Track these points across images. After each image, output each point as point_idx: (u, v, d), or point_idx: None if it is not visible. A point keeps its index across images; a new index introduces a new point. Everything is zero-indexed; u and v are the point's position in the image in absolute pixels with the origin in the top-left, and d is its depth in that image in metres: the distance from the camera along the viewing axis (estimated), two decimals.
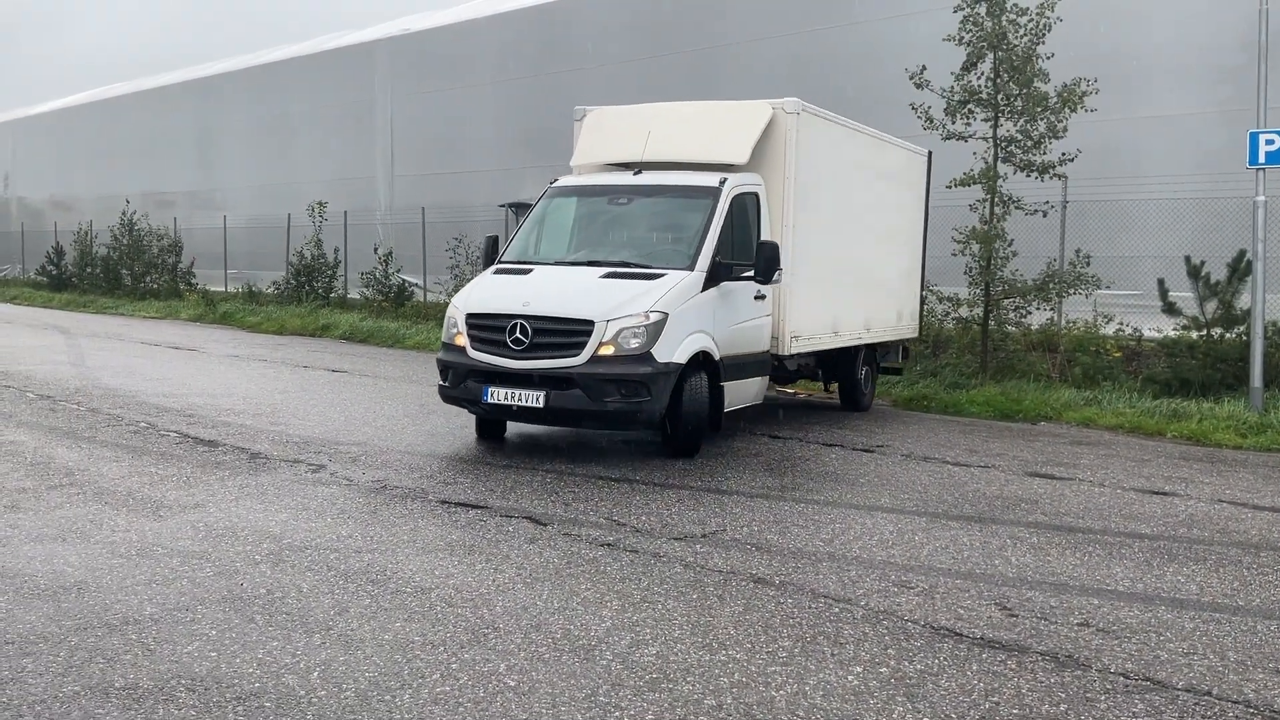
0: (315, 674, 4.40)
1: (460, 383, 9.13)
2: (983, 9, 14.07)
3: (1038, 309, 14.55)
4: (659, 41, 22.74)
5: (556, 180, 10.73)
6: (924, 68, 14.12)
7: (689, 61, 21.80)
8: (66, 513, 6.87)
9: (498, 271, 9.94)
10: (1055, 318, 14.65)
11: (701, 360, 9.13)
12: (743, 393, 9.96)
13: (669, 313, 8.80)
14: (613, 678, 4.43)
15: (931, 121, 14.20)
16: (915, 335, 14.24)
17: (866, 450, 9.84)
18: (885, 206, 12.95)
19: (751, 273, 9.60)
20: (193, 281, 30.20)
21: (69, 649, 4.61)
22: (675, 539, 6.54)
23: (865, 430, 11.03)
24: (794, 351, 10.57)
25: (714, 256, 9.36)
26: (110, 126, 40.31)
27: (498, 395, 8.82)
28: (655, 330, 8.69)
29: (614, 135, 10.75)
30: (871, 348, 12.83)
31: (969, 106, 14.27)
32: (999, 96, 14.15)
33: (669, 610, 5.25)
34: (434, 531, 6.60)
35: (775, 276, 9.71)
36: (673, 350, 8.79)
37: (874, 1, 19.46)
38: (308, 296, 24.80)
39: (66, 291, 32.85)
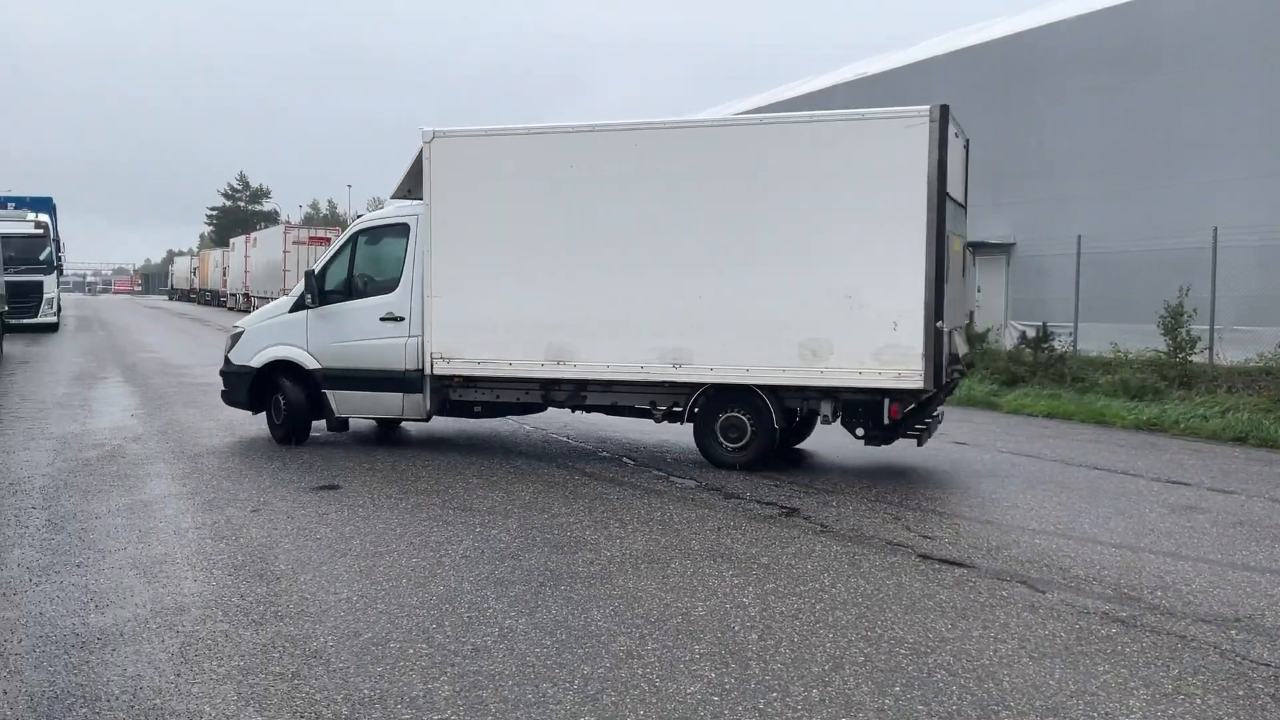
0: None
1: None
2: None
3: None
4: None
5: None
6: None
7: None
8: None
9: None
10: None
11: (292, 369, 11.25)
12: (360, 404, 11.18)
13: (246, 328, 11.81)
14: None
15: None
16: (909, 386, 9.28)
17: None
18: (723, 218, 9.77)
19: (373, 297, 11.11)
20: None
21: (581, 679, 4.80)
22: (1203, 620, 5.71)
23: None
24: (446, 373, 10.68)
25: (311, 285, 11.31)
26: None
27: None
28: (233, 340, 11.81)
29: None
30: (751, 393, 9.82)
31: None
32: None
33: (1210, 708, 4.53)
34: (919, 588, 6.26)
35: (308, 301, 11.22)
36: (248, 356, 11.53)
37: None
38: None
39: None
